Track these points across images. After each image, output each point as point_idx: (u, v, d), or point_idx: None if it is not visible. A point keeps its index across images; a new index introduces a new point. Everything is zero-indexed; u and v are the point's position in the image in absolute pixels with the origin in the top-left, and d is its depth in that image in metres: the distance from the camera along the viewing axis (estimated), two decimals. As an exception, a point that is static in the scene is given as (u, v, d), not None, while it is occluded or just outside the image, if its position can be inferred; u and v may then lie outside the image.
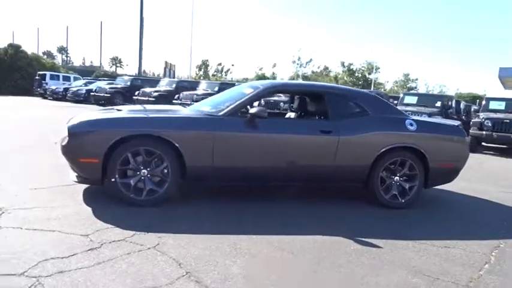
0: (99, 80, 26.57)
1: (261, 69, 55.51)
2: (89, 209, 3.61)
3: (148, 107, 5.09)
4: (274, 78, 54.70)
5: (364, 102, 4.41)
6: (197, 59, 66.22)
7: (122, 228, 3.20)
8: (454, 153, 4.59)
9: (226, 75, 64.95)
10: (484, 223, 4.21)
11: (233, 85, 19.48)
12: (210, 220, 3.60)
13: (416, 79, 78.41)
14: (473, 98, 32.54)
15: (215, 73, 61.22)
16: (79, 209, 3.62)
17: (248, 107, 4.10)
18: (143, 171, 3.78)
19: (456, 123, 4.88)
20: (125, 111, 4.13)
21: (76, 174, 3.87)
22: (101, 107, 5.68)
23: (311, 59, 59.98)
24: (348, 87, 5.40)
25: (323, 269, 2.75)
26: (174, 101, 16.13)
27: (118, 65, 63.60)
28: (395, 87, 62.66)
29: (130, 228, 3.21)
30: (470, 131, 11.09)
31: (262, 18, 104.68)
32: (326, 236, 3.35)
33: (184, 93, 17.09)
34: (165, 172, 3.79)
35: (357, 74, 59.72)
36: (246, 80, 51.62)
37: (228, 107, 4.05)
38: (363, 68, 59.44)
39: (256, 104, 4.32)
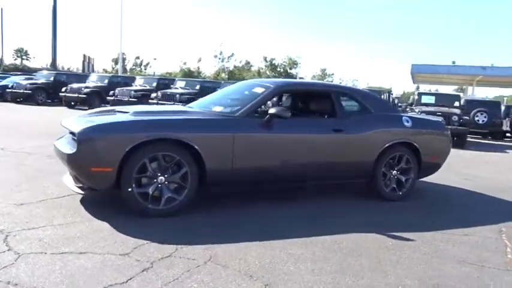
0: (11, 75, 23.80)
1: (185, 63, 54.30)
2: (105, 224, 3.24)
3: (152, 108, 4.69)
4: (199, 73, 54.01)
5: (366, 100, 4.56)
6: (113, 52, 62.74)
7: (157, 242, 2.94)
8: (440, 147, 4.97)
9: (145, 69, 62.64)
10: (472, 209, 4.61)
11: (167, 80, 19.15)
12: (235, 226, 3.46)
13: (333, 74, 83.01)
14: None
15: (133, 67, 58.52)
16: (94, 224, 3.23)
17: (262, 106, 4.00)
18: (160, 178, 3.49)
19: (439, 119, 5.26)
20: (131, 112, 3.76)
21: (80, 184, 3.46)
22: (76, 108, 5.07)
23: (233, 54, 60.35)
24: (350, 86, 5.50)
25: (385, 265, 2.80)
26: (117, 98, 15.10)
27: (24, 57, 57.72)
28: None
29: (167, 241, 2.96)
30: None
31: (185, 12, 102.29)
32: (360, 234, 3.40)
33: (120, 89, 16.07)
34: (184, 178, 3.54)
35: (279, 69, 61.26)
36: (169, 74, 50.19)
37: (244, 107, 3.90)
38: (284, 63, 61.10)
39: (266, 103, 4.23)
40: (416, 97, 14.51)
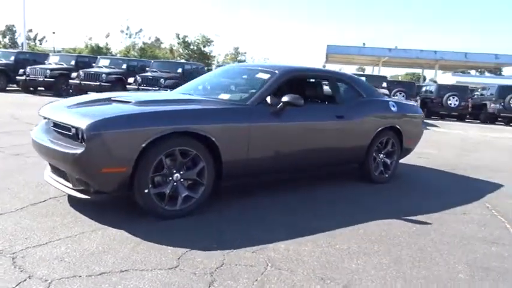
0: None
1: (90, 39, 49.90)
2: (123, 232, 2.82)
3: (152, 95, 4.09)
4: (108, 49, 50.22)
5: (358, 85, 4.59)
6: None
7: (198, 249, 2.64)
8: (416, 131, 5.24)
9: (41, 43, 56.40)
10: (446, 189, 4.97)
11: (88, 58, 17.19)
12: (260, 221, 3.26)
13: (245, 52, 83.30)
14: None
15: (28, 41, 52.23)
16: (110, 234, 2.79)
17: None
18: (176, 175, 3.13)
19: (414, 103, 5.53)
20: (134, 102, 3.26)
21: (81, 186, 2.95)
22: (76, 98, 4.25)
23: (141, 29, 57.20)
24: (342, 71, 5.45)
25: (428, 253, 2.86)
26: (29, 78, 13.27)
27: None
28: (227, 60, 65.39)
29: (210, 248, 2.67)
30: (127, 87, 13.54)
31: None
32: (382, 221, 3.44)
33: (32, 67, 14.17)
34: (201, 174, 3.22)
35: (192, 47, 59.60)
36: (73, 50, 45.78)
37: (254, 94, 3.65)
38: (198, 41, 59.57)
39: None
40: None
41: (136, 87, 13.44)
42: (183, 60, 38.76)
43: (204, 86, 4.38)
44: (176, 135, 3.04)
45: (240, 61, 63.65)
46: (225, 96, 3.78)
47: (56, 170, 3.25)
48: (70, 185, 3.04)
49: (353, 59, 36.38)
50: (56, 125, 3.18)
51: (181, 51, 57.41)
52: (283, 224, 3.23)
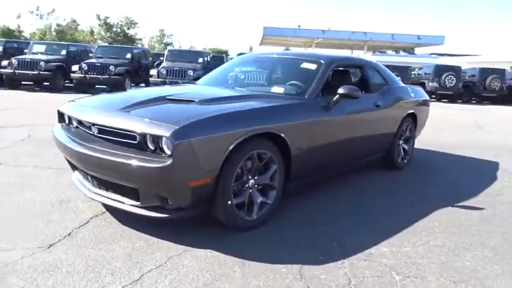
0: None
1: (-2, 20, 44.48)
2: (214, 252, 2.49)
3: (205, 92, 3.55)
4: (20, 32, 45.27)
5: (384, 72, 4.53)
6: None
7: (312, 264, 2.40)
8: (426, 116, 5.35)
9: None
10: (454, 170, 5.16)
11: (16, 43, 14.94)
12: (335, 225, 3.07)
13: (172, 35, 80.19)
14: (219, 53, 35.52)
15: None
16: (203, 255, 2.44)
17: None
18: (251, 181, 2.82)
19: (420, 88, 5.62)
20: (198, 100, 2.84)
21: (153, 203, 2.52)
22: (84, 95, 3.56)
23: (53, 10, 52.57)
24: (368, 59, 5.27)
25: (491, 239, 2.91)
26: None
27: None
28: (152, 43, 62.62)
29: (319, 261, 2.45)
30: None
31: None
32: (443, 209, 3.46)
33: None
34: (273, 178, 2.94)
35: (115, 29, 56.09)
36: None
37: (308, 87, 3.40)
38: (121, 23, 56.14)
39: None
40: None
41: (82, 75, 12.17)
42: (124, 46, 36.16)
43: (235, 77, 4.00)
44: (256, 137, 2.71)
45: (166, 44, 61.34)
46: (278, 90, 3.47)
47: (105, 184, 2.74)
48: (134, 202, 2.58)
49: (288, 41, 36.79)
50: (103, 131, 2.66)
51: (103, 34, 53.83)
52: (356, 225, 3.08)
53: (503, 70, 18.50)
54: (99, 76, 12.20)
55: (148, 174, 2.35)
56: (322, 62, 3.66)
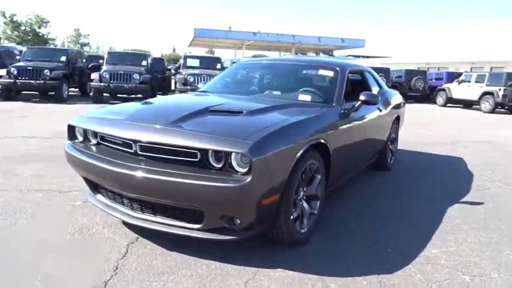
0: None
1: None
2: (287, 271, 2.39)
3: (213, 99, 3.30)
4: None
5: (376, 77, 4.70)
6: None
7: (387, 273, 2.41)
8: (403, 116, 5.66)
9: None
10: (431, 167, 5.56)
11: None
12: (376, 233, 3.13)
13: (88, 35, 75.48)
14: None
15: None
16: (276, 276, 2.33)
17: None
18: (301, 193, 2.75)
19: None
20: (247, 111, 2.68)
21: (217, 225, 2.34)
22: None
23: None
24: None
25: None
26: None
27: None
28: (67, 43, 58.55)
29: (364, 272, 2.46)
30: (177, 86, 12.53)
31: None
32: (455, 206, 3.69)
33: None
34: (317, 188, 2.90)
35: (24, 28, 51.49)
36: None
37: (333, 95, 3.40)
38: (30, 21, 51.68)
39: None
40: (182, 61, 14.35)
41: (12, 80, 10.90)
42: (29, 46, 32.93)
43: (245, 84, 3.86)
44: (310, 148, 2.65)
45: (83, 45, 57.74)
46: (305, 98, 3.42)
47: (152, 208, 2.48)
48: (194, 226, 2.37)
49: (218, 43, 36.66)
50: (151, 149, 2.40)
51: (9, 33, 49.04)
52: (390, 228, 3.17)
53: (425, 71, 20.38)
54: (32, 81, 11.05)
55: (224, 195, 2.17)
56: (338, 69, 3.68)
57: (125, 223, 2.94)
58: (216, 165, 2.28)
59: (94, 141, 2.82)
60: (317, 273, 2.36)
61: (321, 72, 3.74)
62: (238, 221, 2.32)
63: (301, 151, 2.50)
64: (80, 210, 3.21)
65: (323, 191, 2.98)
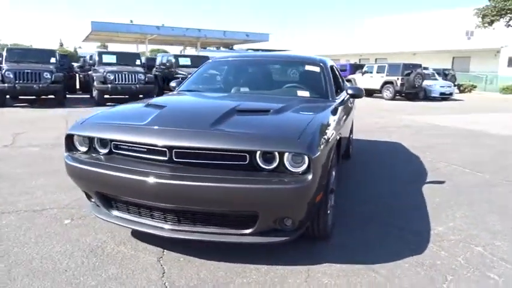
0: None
1: None
2: (332, 280, 2.43)
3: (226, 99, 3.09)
4: None
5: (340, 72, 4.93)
6: None
7: (401, 258, 2.60)
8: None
9: None
10: (383, 155, 6.06)
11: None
12: (381, 219, 3.35)
13: None
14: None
15: None
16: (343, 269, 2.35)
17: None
18: (330, 187, 2.81)
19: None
20: (274, 109, 2.63)
21: (269, 227, 2.30)
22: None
23: None
24: None
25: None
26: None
27: None
28: None
29: (404, 255, 2.67)
30: (95, 85, 11.39)
31: None
32: (425, 189, 4.11)
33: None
34: (335, 180, 2.99)
35: None
36: None
37: (327, 91, 3.51)
38: None
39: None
40: (97, 57, 12.86)
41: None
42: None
43: (234, 82, 3.74)
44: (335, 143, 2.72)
45: None
46: (304, 94, 3.44)
47: (191, 218, 2.32)
48: (243, 231, 2.28)
49: (118, 37, 34.49)
50: (188, 154, 2.24)
51: None
52: (387, 212, 3.42)
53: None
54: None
55: (286, 196, 2.12)
56: (322, 64, 3.80)
57: (137, 236, 2.71)
58: (266, 166, 2.21)
59: (103, 151, 2.51)
60: (367, 263, 2.45)
61: (308, 68, 3.82)
62: (290, 222, 2.29)
63: (334, 145, 2.56)
64: (75, 230, 2.84)
65: (336, 184, 3.07)
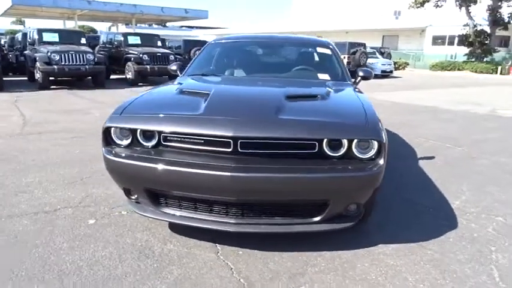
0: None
1: None
2: (395, 261, 2.51)
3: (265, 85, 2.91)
4: None
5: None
6: None
7: (439, 235, 2.77)
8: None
9: None
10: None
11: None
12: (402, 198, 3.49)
13: None
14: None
15: None
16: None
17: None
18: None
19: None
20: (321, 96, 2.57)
21: (335, 214, 2.31)
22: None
23: None
24: None
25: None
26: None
27: None
28: None
29: (440, 233, 2.84)
30: (39, 66, 10.20)
31: None
32: (427, 167, 4.35)
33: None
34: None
35: None
36: None
37: (342, 73, 3.53)
38: None
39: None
40: (36, 36, 11.44)
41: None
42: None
43: (250, 65, 3.59)
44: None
45: None
46: (324, 77, 3.40)
47: (258, 210, 2.24)
48: (310, 219, 2.26)
49: (41, 12, 31.49)
50: (255, 145, 2.14)
51: None
52: (408, 192, 3.59)
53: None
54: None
55: (362, 183, 2.14)
56: (332, 47, 3.79)
57: (178, 232, 2.57)
58: (333, 154, 2.19)
59: (149, 144, 2.31)
60: (411, 241, 2.55)
61: (320, 50, 3.78)
62: (355, 206, 2.31)
63: (381, 128, 2.60)
64: (106, 230, 2.62)
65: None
